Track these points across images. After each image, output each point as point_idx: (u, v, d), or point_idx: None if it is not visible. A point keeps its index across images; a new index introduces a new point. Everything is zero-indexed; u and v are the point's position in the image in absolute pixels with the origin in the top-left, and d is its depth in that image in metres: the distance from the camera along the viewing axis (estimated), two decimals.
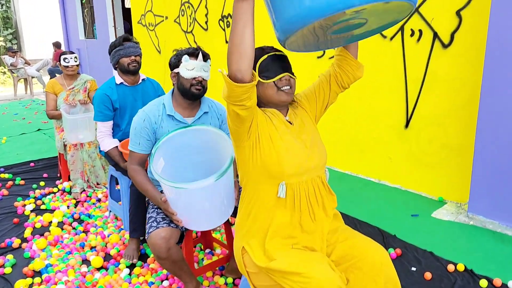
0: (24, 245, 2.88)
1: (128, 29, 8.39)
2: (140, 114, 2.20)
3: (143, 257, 2.71)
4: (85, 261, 2.68)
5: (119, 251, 2.77)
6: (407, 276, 2.41)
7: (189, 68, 2.10)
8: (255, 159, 1.57)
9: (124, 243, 2.86)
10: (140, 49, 2.97)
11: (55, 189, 3.86)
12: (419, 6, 3.37)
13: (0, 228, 3.13)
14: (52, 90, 3.99)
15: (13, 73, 10.78)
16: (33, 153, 5.16)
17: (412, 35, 3.47)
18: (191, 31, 6.26)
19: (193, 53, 2.13)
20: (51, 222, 3.20)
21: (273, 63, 1.60)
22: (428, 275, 2.38)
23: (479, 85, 2.99)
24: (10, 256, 2.72)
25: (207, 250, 2.76)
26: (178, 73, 2.16)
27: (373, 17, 1.36)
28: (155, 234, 1.96)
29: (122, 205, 2.98)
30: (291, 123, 1.67)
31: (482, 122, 2.88)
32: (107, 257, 2.74)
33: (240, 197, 1.72)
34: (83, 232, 3.08)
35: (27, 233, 3.02)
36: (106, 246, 2.85)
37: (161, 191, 2.15)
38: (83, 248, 2.83)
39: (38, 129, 6.50)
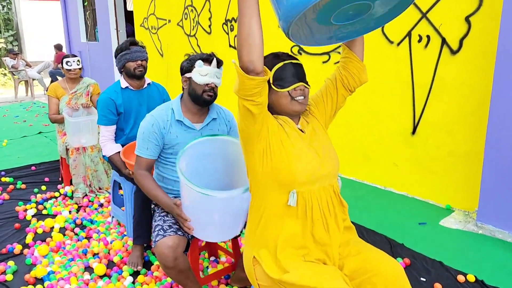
0: (25, 251, 2.83)
1: (132, 32, 8.35)
2: (149, 118, 2.15)
3: (147, 265, 2.66)
4: (88, 268, 2.64)
5: (122, 258, 2.72)
6: (416, 286, 2.36)
7: (203, 74, 2.05)
8: (265, 165, 1.54)
9: (127, 250, 2.81)
10: (146, 53, 2.94)
11: (56, 194, 3.81)
12: (427, 11, 3.34)
13: (1, 234, 3.08)
14: (55, 94, 3.95)
15: (14, 75, 10.75)
16: (34, 156, 5.11)
17: (419, 41, 3.43)
18: (194, 35, 6.23)
19: (207, 58, 2.09)
20: (52, 227, 3.16)
21: (288, 72, 1.58)
22: (438, 286, 2.34)
23: (488, 92, 2.96)
24: (11, 263, 2.67)
25: (212, 258, 2.71)
26: (190, 78, 2.11)
27: None
28: (162, 243, 1.92)
29: (125, 211, 2.93)
30: (302, 131, 1.64)
31: (492, 128, 2.84)
32: (110, 264, 2.69)
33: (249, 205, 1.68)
34: (86, 238, 3.03)
35: (29, 238, 2.97)
36: (109, 253, 2.80)
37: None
38: (85, 254, 2.78)
39: (39, 132, 6.46)
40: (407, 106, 3.61)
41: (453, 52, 3.23)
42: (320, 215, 1.57)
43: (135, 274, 2.55)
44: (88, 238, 3.04)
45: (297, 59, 1.64)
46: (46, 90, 10.66)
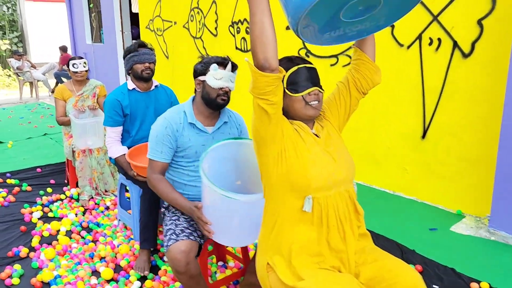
0: (31, 254, 2.80)
1: (137, 34, 8.34)
2: (161, 121, 2.11)
3: (154, 269, 2.63)
4: (95, 272, 2.60)
5: (129, 262, 2.69)
6: None
7: (217, 78, 2.02)
8: (280, 169, 1.51)
9: (134, 254, 2.78)
10: (154, 56, 2.91)
11: (62, 196, 3.79)
12: (438, 14, 3.30)
13: (7, 236, 3.05)
14: (61, 96, 3.93)
15: (19, 76, 10.76)
16: (40, 158, 5.09)
17: (430, 43, 3.39)
18: (200, 37, 6.21)
19: (222, 62, 2.06)
20: (59, 230, 3.13)
21: (302, 76, 1.56)
22: None
23: (500, 96, 2.92)
24: (17, 266, 2.64)
25: (220, 263, 2.68)
26: (204, 81, 2.07)
27: None
28: (175, 247, 1.88)
29: (132, 214, 2.90)
30: (317, 136, 1.61)
31: (505, 133, 2.80)
32: (117, 268, 2.65)
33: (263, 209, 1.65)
34: (92, 241, 3.00)
35: (35, 242, 2.94)
36: (115, 256, 2.77)
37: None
38: (92, 258, 2.75)
39: (45, 134, 6.43)
40: (417, 110, 3.56)
41: (465, 56, 3.19)
42: (336, 222, 1.54)
43: (142, 279, 2.52)
44: (95, 241, 3.01)
45: (311, 63, 1.61)
46: (51, 92, 10.75)
